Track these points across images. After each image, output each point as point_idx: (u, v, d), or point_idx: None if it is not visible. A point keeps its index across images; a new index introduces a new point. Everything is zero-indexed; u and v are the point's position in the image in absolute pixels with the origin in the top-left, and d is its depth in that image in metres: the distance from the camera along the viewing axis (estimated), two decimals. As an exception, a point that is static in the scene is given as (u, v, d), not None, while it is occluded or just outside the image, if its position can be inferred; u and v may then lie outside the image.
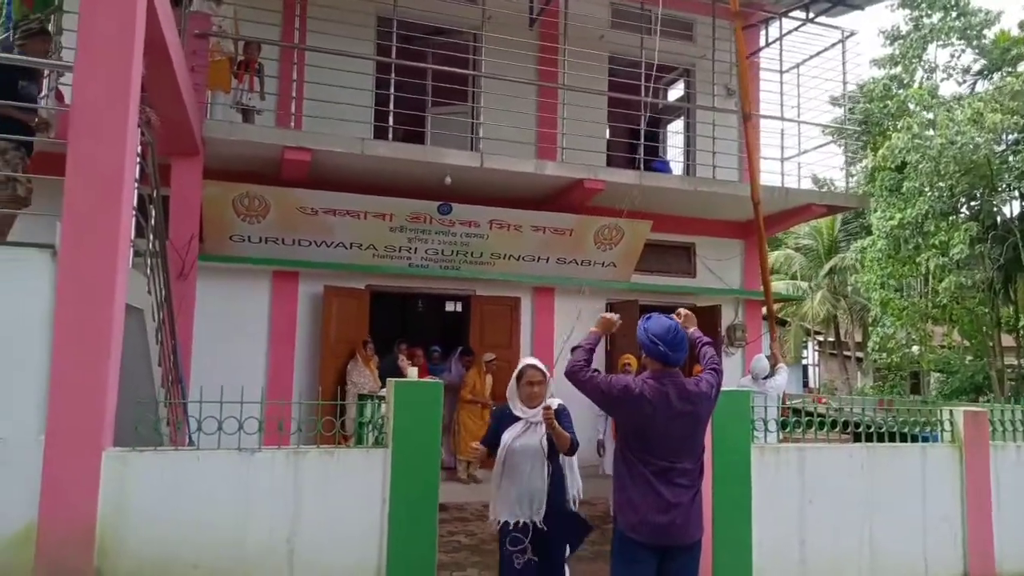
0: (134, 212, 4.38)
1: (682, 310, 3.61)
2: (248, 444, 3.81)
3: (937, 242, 16.19)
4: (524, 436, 3.84)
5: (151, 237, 5.30)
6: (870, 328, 21.22)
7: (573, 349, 3.52)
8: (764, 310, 8.67)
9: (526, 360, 4.03)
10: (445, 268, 9.17)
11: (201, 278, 7.53)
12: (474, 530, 6.85)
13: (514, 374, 3.96)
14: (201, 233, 7.70)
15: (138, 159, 4.54)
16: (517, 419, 3.89)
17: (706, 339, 3.61)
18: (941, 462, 5.39)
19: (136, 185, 4.44)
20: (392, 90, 8.69)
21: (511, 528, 3.84)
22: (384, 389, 4.79)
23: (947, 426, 5.54)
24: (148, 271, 5.20)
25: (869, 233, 18.94)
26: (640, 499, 3.16)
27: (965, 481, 5.40)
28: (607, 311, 9.89)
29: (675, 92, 11.94)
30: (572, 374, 3.36)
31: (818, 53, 10.34)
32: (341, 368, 8.28)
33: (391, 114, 8.56)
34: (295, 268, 8.56)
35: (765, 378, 7.00)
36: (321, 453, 3.98)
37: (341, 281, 8.72)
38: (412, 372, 4.67)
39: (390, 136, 8.52)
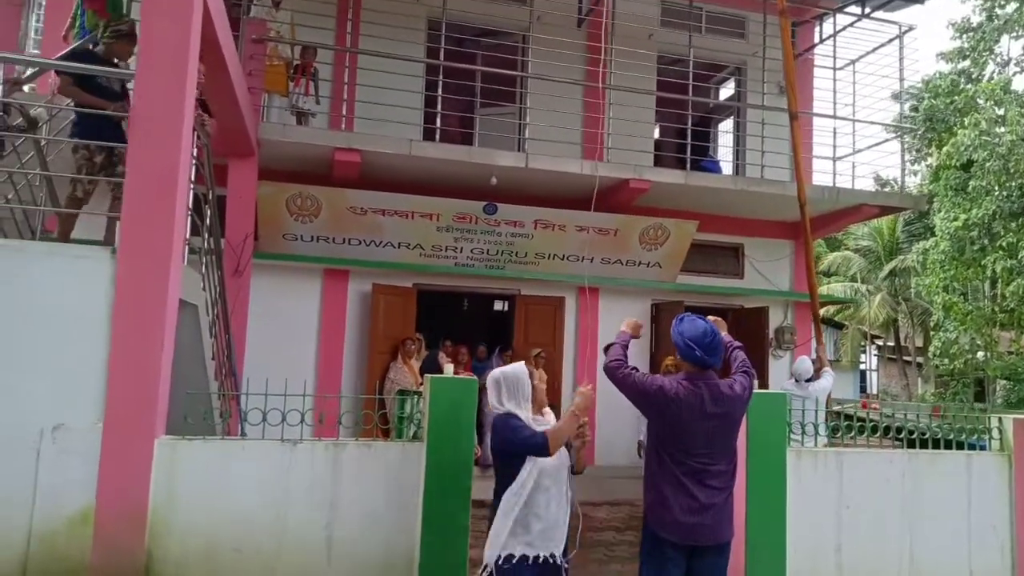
0: (189, 212, 4.63)
1: (711, 317, 3.63)
2: (291, 435, 3.99)
3: (1005, 244, 15.56)
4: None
5: (206, 236, 5.56)
6: (932, 333, 20.48)
7: (607, 347, 3.58)
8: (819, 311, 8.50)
9: (517, 364, 3.40)
10: (490, 267, 9.29)
11: (255, 275, 7.83)
12: (513, 526, 6.94)
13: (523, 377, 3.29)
14: (256, 232, 8.00)
15: (194, 160, 4.78)
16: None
17: (737, 343, 3.63)
18: (988, 471, 5.24)
19: (192, 185, 4.68)
20: (440, 91, 8.87)
21: (528, 563, 3.16)
22: (423, 385, 4.92)
23: (996, 434, 5.38)
24: (203, 268, 5.46)
25: (932, 234, 18.31)
26: (672, 499, 3.19)
27: (1014, 490, 5.24)
28: (652, 312, 9.91)
29: (726, 91, 11.79)
30: (611, 371, 3.40)
31: (874, 49, 10.08)
32: (387, 365, 8.49)
33: (439, 115, 8.74)
34: (345, 266, 8.81)
35: (808, 380, 6.90)
36: (359, 445, 4.13)
37: (389, 280, 8.94)
38: (448, 368, 4.79)
39: (438, 137, 8.70)
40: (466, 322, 12.61)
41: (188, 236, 4.67)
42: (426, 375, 4.48)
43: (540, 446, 3.03)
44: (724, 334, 3.57)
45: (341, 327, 8.81)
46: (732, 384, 3.32)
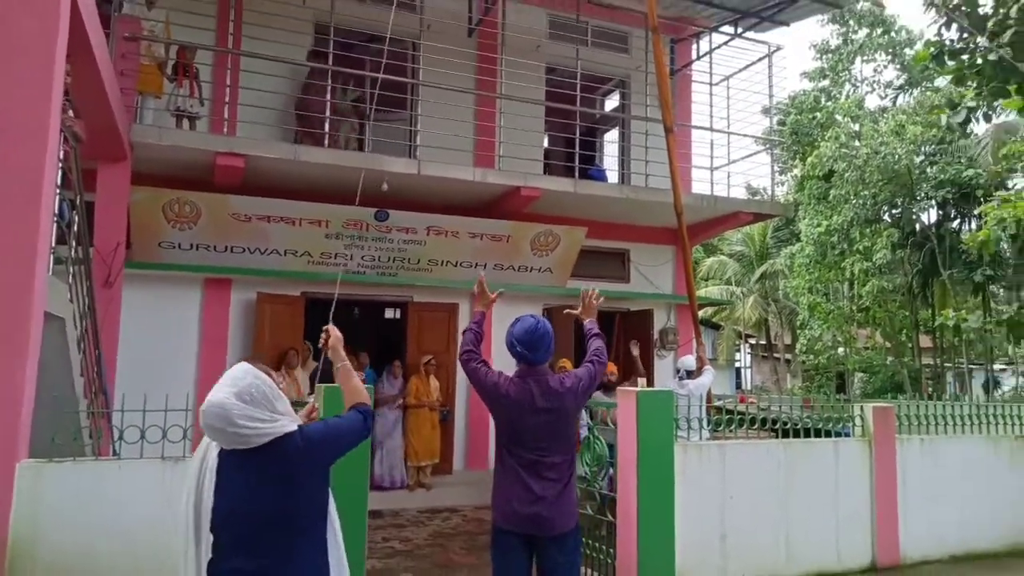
0: (55, 218, 4.31)
1: (596, 292, 3.75)
2: (173, 452, 3.79)
3: (861, 248, 16.98)
4: None
5: (73, 244, 5.19)
6: (799, 331, 22.03)
7: (464, 331, 3.60)
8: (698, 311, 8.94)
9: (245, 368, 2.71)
10: (382, 275, 9.18)
11: (128, 286, 7.38)
12: (409, 536, 6.89)
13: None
14: (128, 240, 7.54)
15: (60, 164, 4.46)
16: None
17: (596, 331, 3.70)
18: (852, 455, 5.69)
19: (58, 190, 4.36)
20: (329, 96, 8.69)
21: None
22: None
23: (858, 421, 5.85)
24: (70, 279, 5.09)
25: (798, 240, 19.70)
26: (510, 490, 3.26)
27: (874, 473, 5.71)
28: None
29: (612, 102, 12.22)
30: (462, 363, 3.47)
31: (746, 67, 10.75)
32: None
33: (327, 121, 8.56)
34: (228, 275, 8.44)
35: (689, 375, 7.23)
36: (248, 460, 3.97)
37: (275, 288, 8.64)
38: (341, 378, 4.68)
39: (326, 143, 8.51)
40: (357, 331, 12.38)
41: (54, 245, 4.35)
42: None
43: (363, 423, 2.55)
44: (589, 320, 3.70)
45: (223, 338, 8.42)
46: (563, 379, 3.40)
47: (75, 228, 5.34)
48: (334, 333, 2.79)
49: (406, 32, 9.31)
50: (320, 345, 2.80)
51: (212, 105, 8.31)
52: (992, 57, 6.85)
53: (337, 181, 8.32)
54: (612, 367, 7.19)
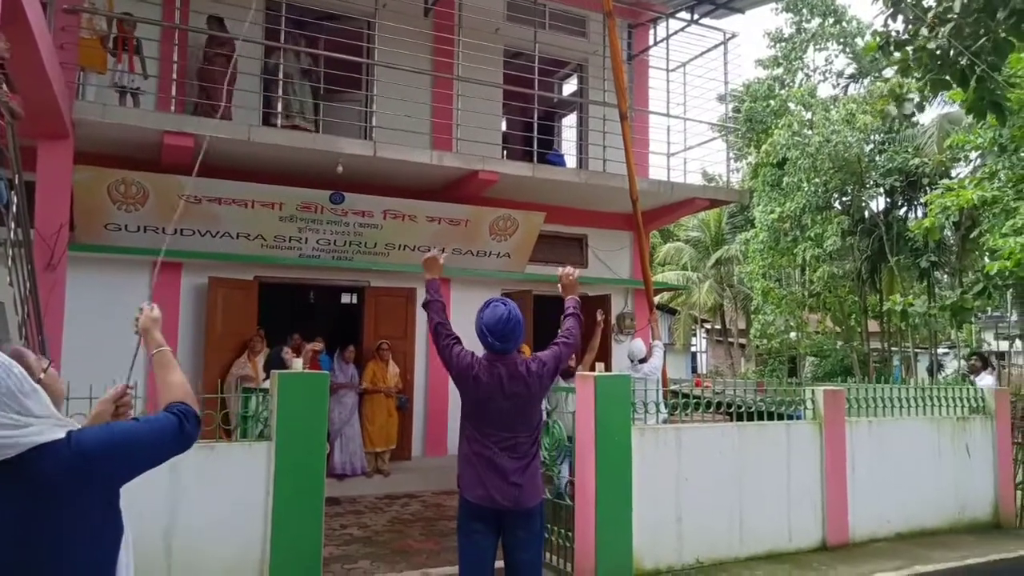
0: (-10, 198, 4.11)
1: (570, 269, 3.75)
2: (120, 441, 3.66)
3: (812, 235, 17.35)
4: None
5: (12, 226, 4.96)
6: (753, 316, 22.48)
7: (425, 304, 3.55)
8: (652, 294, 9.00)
9: None
10: (338, 259, 9.03)
11: (73, 269, 7.10)
12: (367, 522, 6.84)
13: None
14: (72, 222, 7.26)
15: (-6, 142, 4.24)
16: None
17: (573, 310, 3.71)
18: (804, 438, 5.82)
19: (-7, 169, 4.15)
20: (281, 76, 8.49)
21: None
22: (268, 382, 4.70)
23: (809, 404, 5.98)
24: (10, 262, 4.87)
25: (753, 226, 20.04)
26: (477, 467, 3.31)
27: (824, 454, 5.85)
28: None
29: (570, 87, 12.19)
30: (435, 336, 3.45)
31: (702, 53, 10.83)
32: (227, 363, 8.02)
33: (279, 100, 8.37)
34: (177, 259, 8.21)
35: (642, 361, 7.28)
36: (200, 447, 3.87)
37: (228, 272, 8.43)
38: (297, 364, 4.59)
39: (279, 123, 8.31)
40: (313, 316, 12.20)
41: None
42: (273, 371, 4.29)
43: (178, 427, 1.90)
44: (570, 298, 3.73)
45: (174, 324, 8.18)
46: (530, 363, 3.43)
47: (14, 209, 5.10)
48: (147, 313, 2.25)
49: (361, 10, 9.12)
50: (135, 327, 2.26)
51: (159, 82, 8.02)
52: (931, 46, 7.00)
53: (291, 162, 8.15)
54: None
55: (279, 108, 8.46)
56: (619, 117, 7.27)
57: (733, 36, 10.65)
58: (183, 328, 8.23)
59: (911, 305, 12.47)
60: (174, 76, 7.90)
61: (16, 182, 4.98)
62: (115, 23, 7.63)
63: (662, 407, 5.93)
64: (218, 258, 8.33)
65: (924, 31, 7.38)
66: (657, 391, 6.13)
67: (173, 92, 7.79)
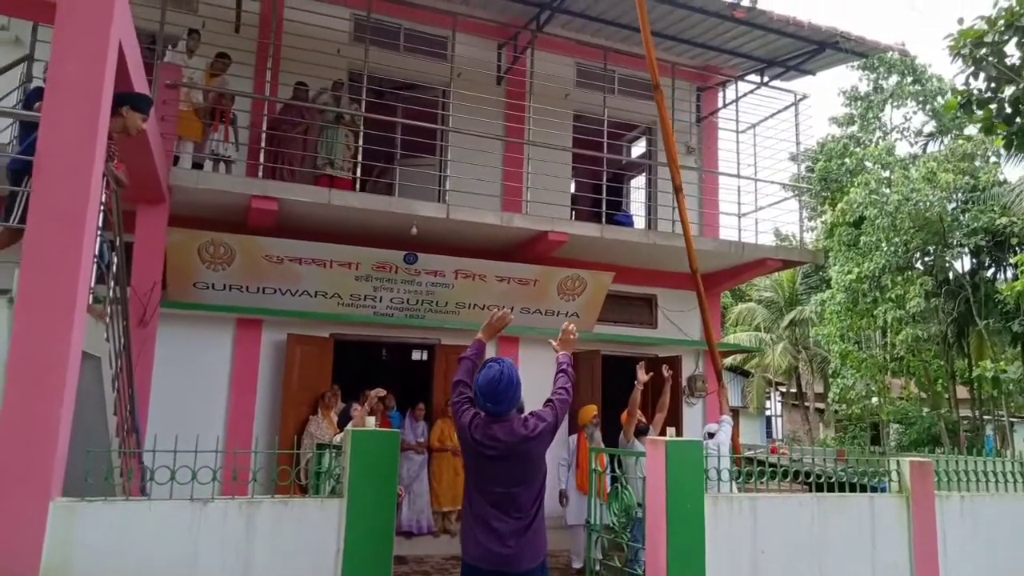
0: (95, 259, 4.41)
1: (570, 326, 3.79)
2: (202, 494, 3.79)
3: (893, 296, 16.70)
4: None
5: (111, 284, 5.30)
6: (830, 379, 21.60)
7: (460, 358, 3.62)
8: (722, 362, 8.81)
9: None
10: (410, 317, 9.23)
11: (163, 325, 7.49)
12: (433, 583, 6.78)
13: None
14: (164, 280, 7.69)
15: (102, 207, 4.58)
16: None
17: (565, 366, 3.70)
18: (889, 512, 5.51)
19: (99, 232, 4.47)
20: (361, 142, 8.90)
21: None
22: (341, 438, 4.80)
23: (895, 476, 5.68)
24: (107, 318, 5.19)
25: (828, 286, 19.45)
26: (476, 528, 3.33)
27: (912, 530, 5.52)
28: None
29: (638, 148, 12.32)
30: (452, 391, 3.61)
31: (773, 115, 10.81)
32: (303, 417, 8.22)
33: (359, 166, 8.76)
34: (259, 316, 8.55)
35: (710, 435, 7.03)
36: (275, 503, 3.96)
37: (305, 329, 8.73)
38: (370, 422, 4.69)
39: (358, 187, 8.68)
40: (384, 373, 12.39)
41: (93, 284, 4.45)
42: (347, 428, 4.38)
43: None
44: (563, 353, 3.74)
45: (253, 379, 8.49)
46: (527, 422, 3.43)
47: (114, 268, 5.46)
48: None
49: (436, 80, 9.53)
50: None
51: (248, 150, 8.53)
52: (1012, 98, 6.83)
53: (368, 224, 8.45)
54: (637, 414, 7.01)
55: (358, 173, 8.80)
56: (673, 190, 7.26)
57: (804, 97, 10.63)
58: (262, 384, 8.51)
59: (1004, 371, 11.78)
60: (261, 144, 8.41)
61: (117, 243, 5.34)
62: (214, 96, 8.19)
63: (725, 475, 5.71)
64: (297, 316, 8.64)
65: (1008, 89, 7.21)
66: (726, 459, 5.96)
67: (261, 159, 8.26)
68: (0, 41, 7.82)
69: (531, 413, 3.51)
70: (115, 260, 5.50)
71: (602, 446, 7.71)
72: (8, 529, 3.40)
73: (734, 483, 5.68)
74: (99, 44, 4.05)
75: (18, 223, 4.23)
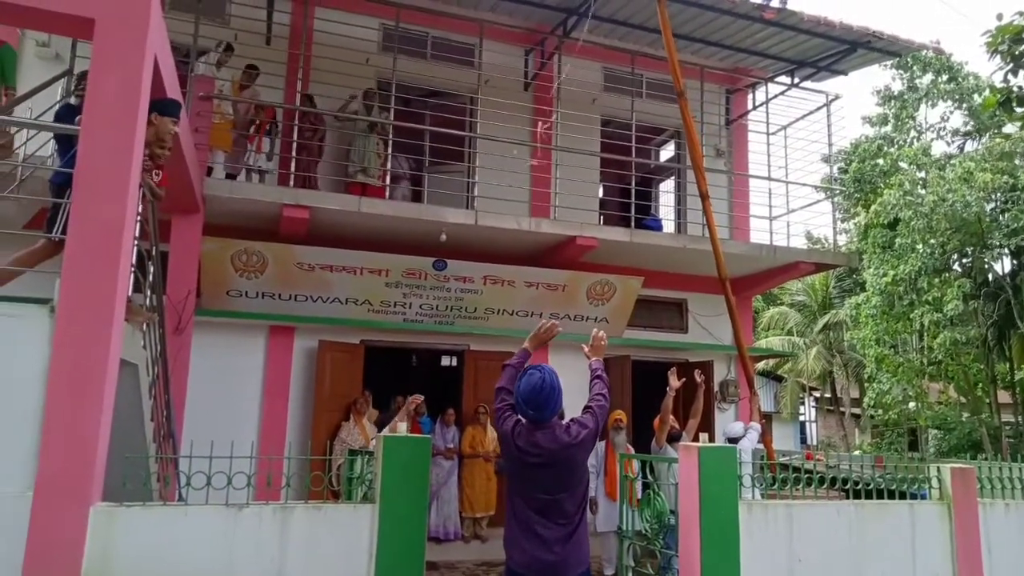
0: (132, 268, 4.50)
1: (600, 332, 3.77)
2: (237, 499, 3.84)
3: (931, 298, 16.32)
4: None
5: (148, 292, 5.40)
6: (866, 384, 21.16)
7: (503, 365, 3.61)
8: (754, 368, 8.70)
9: None
10: (439, 323, 9.27)
11: (197, 332, 7.62)
12: (464, 589, 6.78)
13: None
14: (199, 288, 7.82)
15: (138, 217, 4.68)
16: None
17: (599, 373, 3.69)
18: (930, 520, 5.38)
19: (136, 242, 4.57)
20: (390, 150, 8.98)
21: None
22: (374, 444, 4.82)
23: (935, 483, 5.55)
24: (144, 326, 5.29)
25: (863, 289, 19.09)
26: (520, 535, 3.32)
27: (955, 538, 5.38)
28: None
29: (667, 152, 12.24)
30: (495, 397, 3.56)
31: (804, 116, 10.66)
32: (335, 423, 8.29)
33: (388, 174, 8.83)
34: (291, 323, 8.66)
35: (732, 440, 6.90)
36: (308, 509, 3.99)
37: (336, 336, 8.81)
38: (401, 427, 4.71)
39: (387, 195, 8.75)
40: (414, 379, 12.45)
41: (130, 293, 4.54)
42: (378, 434, 4.41)
43: None
44: (595, 359, 3.75)
45: (286, 385, 8.59)
46: (569, 429, 3.42)
47: (150, 278, 5.56)
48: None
49: (464, 87, 9.58)
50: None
51: (279, 159, 8.66)
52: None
53: (397, 231, 8.51)
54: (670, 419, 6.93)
55: (387, 181, 8.88)
56: (699, 197, 7.19)
57: (836, 98, 10.48)
58: (294, 390, 8.60)
59: (1047, 375, 11.44)
60: (293, 153, 8.52)
61: (153, 253, 5.44)
62: (254, 108, 8.34)
63: (757, 483, 5.61)
64: (328, 322, 8.73)
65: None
66: (754, 464, 5.87)
67: (292, 168, 8.37)
68: (41, 58, 8.03)
69: (572, 419, 3.50)
70: (151, 269, 5.61)
71: (627, 449, 7.64)
72: (51, 533, 3.47)
73: (756, 489, 5.58)
74: (136, 58, 4.13)
75: (60, 235, 4.33)
